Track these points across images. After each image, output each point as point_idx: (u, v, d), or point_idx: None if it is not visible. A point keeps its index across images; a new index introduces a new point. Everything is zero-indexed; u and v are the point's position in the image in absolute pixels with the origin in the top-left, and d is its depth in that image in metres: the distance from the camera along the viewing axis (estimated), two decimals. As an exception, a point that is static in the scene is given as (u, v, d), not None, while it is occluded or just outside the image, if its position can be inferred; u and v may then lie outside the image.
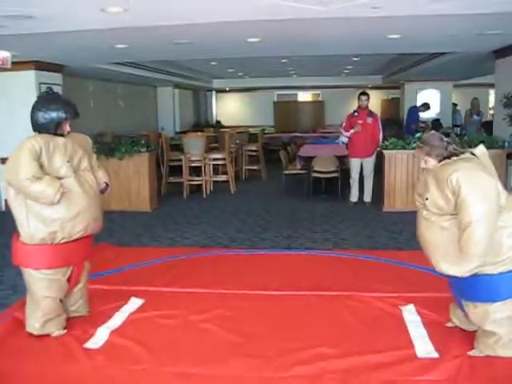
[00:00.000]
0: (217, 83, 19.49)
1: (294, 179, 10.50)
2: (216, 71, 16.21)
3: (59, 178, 3.62)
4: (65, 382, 3.17)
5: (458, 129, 13.35)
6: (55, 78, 8.98)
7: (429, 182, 3.32)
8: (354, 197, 8.85)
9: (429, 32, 6.79)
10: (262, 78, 18.23)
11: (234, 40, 7.21)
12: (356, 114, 8.72)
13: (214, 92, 20.95)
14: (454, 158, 3.28)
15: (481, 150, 3.32)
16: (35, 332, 3.72)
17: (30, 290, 3.75)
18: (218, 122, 19.72)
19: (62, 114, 3.66)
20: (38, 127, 3.67)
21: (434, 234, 3.29)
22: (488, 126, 9.52)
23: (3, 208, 8.78)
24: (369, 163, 8.68)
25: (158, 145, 10.62)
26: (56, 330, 3.77)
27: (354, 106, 9.02)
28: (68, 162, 3.67)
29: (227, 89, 20.36)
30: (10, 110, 8.41)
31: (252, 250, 6.04)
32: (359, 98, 8.70)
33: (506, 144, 7.90)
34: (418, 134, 8.59)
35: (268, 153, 13.64)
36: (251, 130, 14.76)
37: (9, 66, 7.56)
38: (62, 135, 3.71)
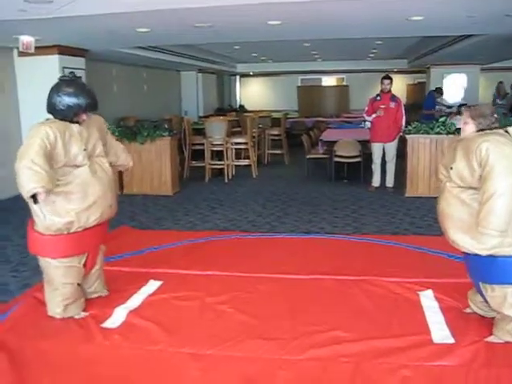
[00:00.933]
0: (240, 67, 19.42)
1: (316, 164, 10.47)
2: (239, 55, 16.14)
3: (76, 166, 3.58)
4: (82, 361, 3.22)
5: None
6: (78, 63, 9.04)
7: (457, 151, 3.26)
8: (375, 182, 8.80)
9: (452, 13, 6.65)
10: (285, 63, 18.10)
11: (255, 23, 7.16)
12: (379, 98, 8.64)
13: (237, 76, 20.90)
14: (488, 131, 3.22)
15: None
16: (58, 316, 3.77)
17: (48, 276, 3.77)
18: (242, 107, 19.68)
19: (81, 104, 3.57)
20: (55, 112, 3.57)
21: (454, 207, 3.25)
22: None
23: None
24: (391, 148, 8.61)
25: (181, 129, 10.65)
26: (77, 313, 3.81)
27: (378, 90, 8.93)
28: (84, 150, 3.61)
29: (251, 73, 20.28)
30: (34, 94, 8.50)
31: (271, 233, 6.05)
32: (382, 82, 8.61)
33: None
34: (442, 119, 8.45)
35: (291, 137, 13.59)
36: (274, 115, 14.72)
37: (32, 50, 7.65)
38: (77, 122, 3.63)
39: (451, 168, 3.27)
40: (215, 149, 9.98)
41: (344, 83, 20.67)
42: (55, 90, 3.59)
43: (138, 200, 8.13)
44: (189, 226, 6.55)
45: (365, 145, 9.22)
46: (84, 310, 3.86)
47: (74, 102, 3.55)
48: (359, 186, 8.93)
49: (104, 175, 3.76)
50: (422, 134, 8.05)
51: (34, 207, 3.57)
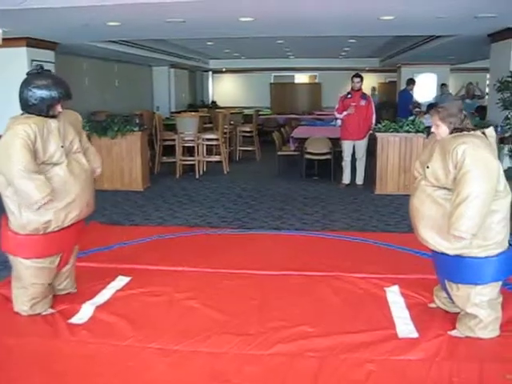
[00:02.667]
0: (213, 64, 19.38)
1: (287, 161, 10.50)
2: (212, 51, 16.11)
3: (53, 164, 3.50)
4: (48, 357, 3.19)
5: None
6: (48, 56, 8.92)
7: (434, 151, 3.31)
8: (346, 179, 8.87)
9: (422, 14, 6.75)
10: (258, 59, 18.13)
11: (227, 19, 7.16)
12: (349, 96, 8.70)
13: (210, 72, 20.82)
14: (465, 132, 3.26)
15: (490, 131, 3.33)
16: (24, 313, 3.71)
17: (19, 275, 3.68)
18: (214, 103, 19.63)
19: (54, 95, 3.47)
20: (29, 108, 3.49)
21: (426, 206, 3.31)
22: (482, 111, 9.51)
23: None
24: (361, 146, 8.69)
25: (152, 124, 10.59)
26: (44, 310, 3.77)
27: (349, 88, 8.99)
28: (62, 146, 3.53)
29: (223, 69, 20.24)
30: (1, 87, 8.36)
31: (241, 229, 6.07)
32: (352, 80, 8.68)
33: (499, 129, 7.90)
34: (411, 118, 8.58)
35: (263, 134, 13.61)
36: (246, 112, 14.72)
37: (0, 42, 7.51)
38: (54, 116, 3.54)
39: (427, 167, 3.31)
40: (186, 145, 9.95)
41: (316, 81, 20.76)
42: (25, 85, 3.50)
43: (108, 195, 8.06)
44: (159, 222, 6.53)
45: (336, 142, 9.28)
46: (52, 307, 3.82)
47: (45, 94, 3.46)
48: (329, 183, 8.99)
49: (82, 172, 3.68)
50: (392, 132, 8.14)
51: (9, 205, 3.50)
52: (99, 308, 3.82)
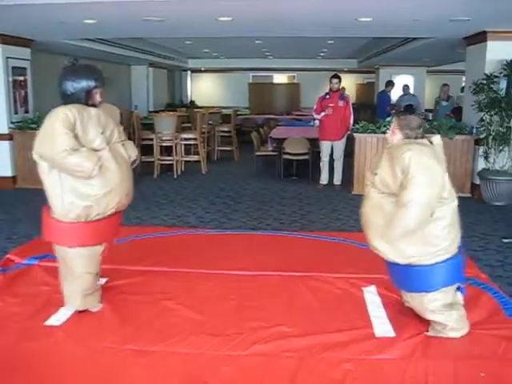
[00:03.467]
0: (192, 63, 19.31)
1: (265, 161, 10.52)
2: (191, 51, 16.05)
3: (95, 151, 3.47)
4: (25, 359, 3.14)
5: (431, 114, 13.47)
6: (23, 53, 8.80)
7: (383, 158, 3.36)
8: (323, 179, 8.91)
9: (399, 16, 6.81)
10: (237, 59, 18.12)
11: (205, 18, 7.13)
12: (328, 96, 8.74)
13: (189, 72, 20.75)
14: (412, 140, 3.33)
15: (437, 139, 3.40)
16: (78, 308, 3.71)
17: (67, 266, 3.65)
18: (193, 103, 19.57)
19: (91, 82, 3.55)
20: (68, 98, 3.53)
21: (375, 213, 3.35)
22: (459, 113, 9.62)
23: None
24: (339, 146, 8.73)
25: (130, 123, 10.51)
26: (95, 306, 3.76)
27: (327, 88, 9.03)
28: (102, 133, 3.53)
29: (202, 69, 20.18)
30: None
31: (218, 230, 6.06)
32: (331, 81, 8.72)
33: (474, 130, 8.01)
34: (388, 119, 8.65)
35: (241, 134, 13.60)
36: (224, 111, 14.70)
37: (-26, 38, 7.40)
38: (93, 106, 3.58)
39: (376, 174, 3.36)
40: (164, 144, 9.90)
41: (295, 81, 20.82)
42: (62, 77, 3.58)
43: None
44: (136, 222, 6.48)
45: (314, 143, 9.31)
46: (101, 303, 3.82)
47: (82, 82, 3.53)
48: (307, 184, 9.02)
49: (122, 162, 3.66)
50: (369, 133, 8.20)
51: (51, 191, 3.49)
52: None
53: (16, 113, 8.71)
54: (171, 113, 11.65)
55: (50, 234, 3.64)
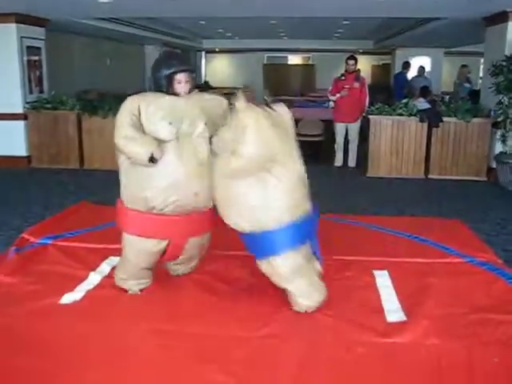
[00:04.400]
0: (206, 43, 19.23)
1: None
2: (205, 31, 15.96)
3: (162, 141, 3.40)
4: (38, 338, 3.18)
5: (447, 96, 13.31)
6: (38, 33, 8.80)
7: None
8: (338, 161, 8.88)
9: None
10: (251, 40, 18.01)
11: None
12: (343, 77, 8.67)
13: (203, 52, 20.68)
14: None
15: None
16: (117, 282, 3.80)
17: (123, 249, 3.74)
18: (207, 83, 19.51)
19: (167, 70, 3.48)
20: (153, 86, 3.57)
21: (222, 185, 3.42)
22: (476, 95, 9.49)
23: None
24: (354, 128, 8.68)
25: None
26: (132, 289, 3.77)
27: (343, 70, 8.96)
28: (170, 123, 3.39)
29: (217, 49, 20.10)
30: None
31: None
32: (346, 62, 8.66)
33: (492, 113, 7.90)
34: (404, 100, 8.55)
35: (255, 115, 13.52)
36: (239, 92, 14.61)
37: (-12, 18, 7.40)
38: (175, 94, 3.51)
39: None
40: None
41: (310, 62, 20.67)
42: (152, 67, 3.61)
43: (99, 175, 8.02)
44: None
45: (328, 124, 9.27)
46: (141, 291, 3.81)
47: (161, 70, 3.50)
48: (321, 165, 8.96)
49: (194, 158, 3.47)
50: (385, 115, 8.13)
51: (123, 181, 3.59)
52: (90, 289, 3.81)
53: (31, 93, 8.74)
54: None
55: (116, 219, 3.73)
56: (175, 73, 3.50)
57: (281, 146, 3.30)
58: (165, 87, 3.51)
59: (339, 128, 8.74)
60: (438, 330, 3.25)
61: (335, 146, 8.87)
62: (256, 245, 3.42)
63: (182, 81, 3.52)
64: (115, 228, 4.24)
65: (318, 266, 3.55)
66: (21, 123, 8.64)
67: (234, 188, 3.33)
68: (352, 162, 8.83)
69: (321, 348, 3.09)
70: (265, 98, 3.67)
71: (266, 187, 3.28)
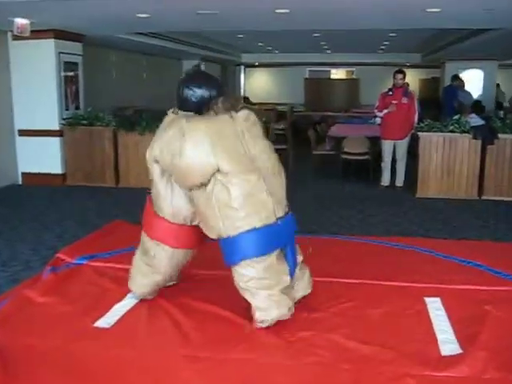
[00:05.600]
0: (246, 58, 19.42)
1: (323, 160, 10.47)
2: (244, 45, 16.13)
3: None
4: (74, 360, 3.21)
5: (502, 112, 13.09)
6: (75, 48, 9.07)
7: None
8: (385, 181, 8.81)
9: (470, 6, 6.64)
10: (292, 54, 18.10)
11: (261, 10, 7.15)
12: (390, 92, 8.64)
13: (242, 67, 20.88)
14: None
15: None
16: (135, 291, 4.02)
17: (154, 262, 3.88)
18: (246, 99, 19.62)
19: (212, 93, 3.65)
20: (188, 106, 3.67)
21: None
22: (480, 107, 9.39)
23: (20, 181, 8.95)
24: (402, 146, 8.61)
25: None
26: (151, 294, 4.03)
27: (390, 84, 8.94)
28: None
29: (256, 64, 20.27)
30: (27, 79, 8.51)
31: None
32: (394, 77, 8.62)
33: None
34: (456, 117, 8.44)
35: (297, 132, 13.57)
36: (280, 108, 14.70)
37: (27, 34, 7.65)
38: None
39: None
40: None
41: (354, 76, 20.64)
42: (185, 83, 3.73)
43: (135, 193, 8.12)
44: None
45: (374, 142, 9.22)
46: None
47: (205, 93, 3.65)
48: (367, 185, 8.94)
49: None
50: (435, 131, 8.04)
51: (163, 195, 3.76)
52: (126, 313, 3.84)
53: (67, 109, 8.97)
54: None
55: (153, 232, 3.87)
56: (216, 97, 3.66)
57: (225, 155, 3.41)
58: (202, 110, 3.65)
59: (386, 146, 8.68)
60: (497, 363, 3.15)
61: (382, 164, 8.81)
62: (222, 252, 3.56)
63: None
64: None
65: (286, 278, 3.58)
66: (56, 140, 8.87)
67: (194, 198, 3.58)
68: (400, 182, 8.75)
69: (367, 381, 3.03)
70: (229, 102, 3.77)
71: (218, 196, 3.42)
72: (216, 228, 3.49)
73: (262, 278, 3.48)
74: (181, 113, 3.66)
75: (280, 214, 3.61)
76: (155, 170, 3.76)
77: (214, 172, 3.42)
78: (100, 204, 7.53)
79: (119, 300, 4.03)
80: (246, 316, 3.64)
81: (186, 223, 3.80)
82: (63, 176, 8.98)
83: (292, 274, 3.69)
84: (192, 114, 3.65)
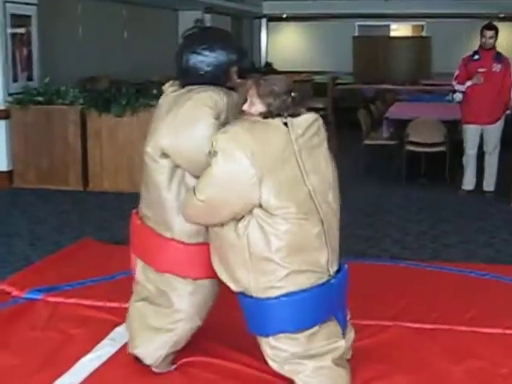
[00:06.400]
0: (269, 6, 19.50)
1: (378, 153, 10.46)
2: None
3: None
4: None
5: None
6: (27, -6, 9.14)
7: None
8: (468, 183, 8.79)
9: None
10: (336, 1, 18.13)
11: None
12: (477, 57, 8.62)
13: (263, 20, 20.94)
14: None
15: (303, 121, 3.58)
16: (152, 364, 3.82)
17: (163, 300, 3.80)
18: (269, 65, 19.74)
19: (233, 59, 3.69)
20: (199, 78, 3.67)
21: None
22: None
23: None
24: (493, 133, 8.59)
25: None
26: (169, 367, 3.89)
27: (475, 45, 8.90)
28: None
29: (284, 16, 20.31)
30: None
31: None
32: (482, 34, 8.59)
33: None
34: None
35: (342, 113, 13.59)
36: (317, 79, 14.70)
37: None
38: (232, 88, 3.72)
39: None
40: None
41: (423, 34, 20.61)
42: (189, 47, 3.73)
43: (109, 200, 8.17)
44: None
45: (453, 127, 9.19)
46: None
47: (222, 56, 3.66)
48: (443, 189, 8.94)
49: None
50: (541, 112, 8.02)
51: (174, 206, 3.67)
52: (99, 368, 3.88)
53: (15, 80, 9.04)
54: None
55: (166, 264, 3.76)
56: (238, 62, 3.71)
57: (273, 185, 3.33)
58: (222, 81, 3.67)
59: (471, 133, 8.64)
60: None
61: (463, 160, 8.78)
62: (244, 312, 3.55)
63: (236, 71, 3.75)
64: (131, 278, 4.33)
65: (340, 343, 3.55)
66: (1, 124, 8.92)
67: (212, 233, 3.56)
68: (489, 185, 8.73)
69: None
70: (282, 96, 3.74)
71: (253, 241, 3.34)
72: (242, 282, 3.43)
73: (307, 349, 3.45)
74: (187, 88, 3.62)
75: (334, 267, 3.58)
76: (162, 170, 3.66)
77: (253, 206, 3.34)
78: (61, 214, 7.55)
79: (87, 351, 4.05)
80: None
81: (206, 241, 3.69)
82: (9, 175, 9.03)
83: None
84: (206, 87, 3.61)
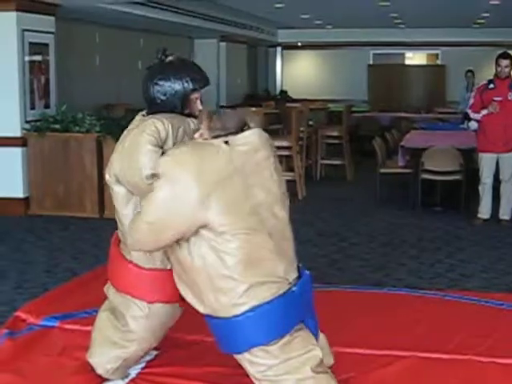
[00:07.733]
0: (284, 35, 19.61)
1: (393, 182, 10.45)
2: (283, 17, 16.28)
3: None
4: None
5: None
6: (45, 24, 9.22)
7: None
8: (484, 212, 8.76)
9: None
10: (351, 30, 18.21)
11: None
12: (492, 86, 8.62)
13: (279, 49, 21.03)
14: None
15: (242, 138, 3.52)
16: (104, 374, 3.93)
17: (119, 318, 3.86)
18: (284, 93, 19.80)
19: (187, 85, 3.72)
20: (157, 107, 3.73)
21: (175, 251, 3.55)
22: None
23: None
24: (509, 161, 8.57)
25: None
26: (122, 377, 3.98)
27: (491, 73, 8.90)
28: None
29: (299, 44, 20.39)
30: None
31: (322, 285, 6.01)
32: (498, 63, 8.59)
33: None
34: None
35: (357, 141, 13.59)
36: (332, 107, 14.72)
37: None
38: (192, 116, 3.77)
39: None
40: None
41: (438, 62, 20.62)
42: (148, 79, 3.79)
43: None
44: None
45: (469, 156, 9.18)
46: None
47: (177, 85, 3.71)
48: (459, 218, 8.93)
49: None
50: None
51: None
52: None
53: (33, 108, 9.09)
54: (253, 109, 11.80)
55: (124, 285, 3.82)
56: (196, 89, 3.74)
57: (218, 203, 3.36)
58: (179, 107, 3.72)
59: (487, 161, 8.64)
60: None
61: (479, 188, 8.76)
62: (217, 336, 3.58)
63: (200, 99, 3.81)
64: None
65: (316, 352, 3.51)
66: (17, 151, 8.99)
67: (171, 254, 3.60)
68: (506, 214, 8.71)
69: None
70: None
71: (207, 261, 3.37)
72: (208, 303, 3.46)
73: (284, 360, 3.44)
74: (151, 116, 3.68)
75: (293, 275, 3.57)
76: (118, 196, 3.71)
77: (199, 225, 3.38)
78: (77, 242, 7.57)
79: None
80: None
81: (166, 267, 3.75)
82: (26, 201, 9.07)
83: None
84: (164, 114, 3.66)
